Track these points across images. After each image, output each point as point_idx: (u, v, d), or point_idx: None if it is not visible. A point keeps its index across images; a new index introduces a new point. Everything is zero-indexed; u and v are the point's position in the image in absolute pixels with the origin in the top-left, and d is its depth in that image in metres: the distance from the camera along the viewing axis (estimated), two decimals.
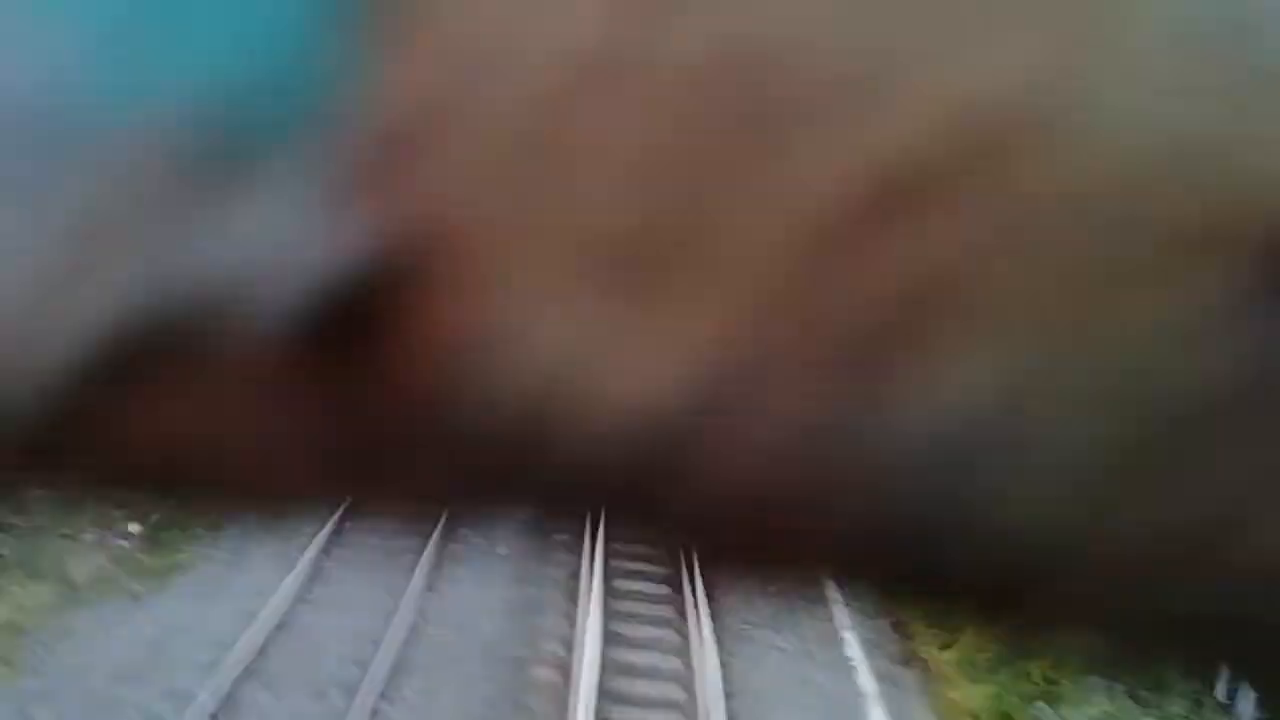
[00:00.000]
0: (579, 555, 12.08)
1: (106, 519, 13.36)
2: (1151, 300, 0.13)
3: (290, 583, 11.33)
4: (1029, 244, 0.13)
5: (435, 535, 12.02)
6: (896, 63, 0.14)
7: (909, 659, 11.73)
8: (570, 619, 11.28)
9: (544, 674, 10.09)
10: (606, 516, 0.20)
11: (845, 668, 11.36)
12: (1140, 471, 0.15)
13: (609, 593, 11.37)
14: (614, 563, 11.89)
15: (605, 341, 0.15)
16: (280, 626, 10.68)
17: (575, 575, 12.05)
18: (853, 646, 11.47)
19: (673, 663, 10.64)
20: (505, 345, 0.16)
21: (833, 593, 12.27)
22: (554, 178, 0.15)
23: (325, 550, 12.35)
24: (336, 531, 12.80)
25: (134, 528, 13.27)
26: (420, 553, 11.84)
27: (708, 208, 0.15)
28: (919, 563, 0.16)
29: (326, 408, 0.18)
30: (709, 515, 0.15)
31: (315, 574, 11.85)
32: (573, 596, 11.66)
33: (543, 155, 0.15)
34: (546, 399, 0.16)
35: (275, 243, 0.17)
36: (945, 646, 11.31)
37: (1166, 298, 0.13)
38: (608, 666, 9.92)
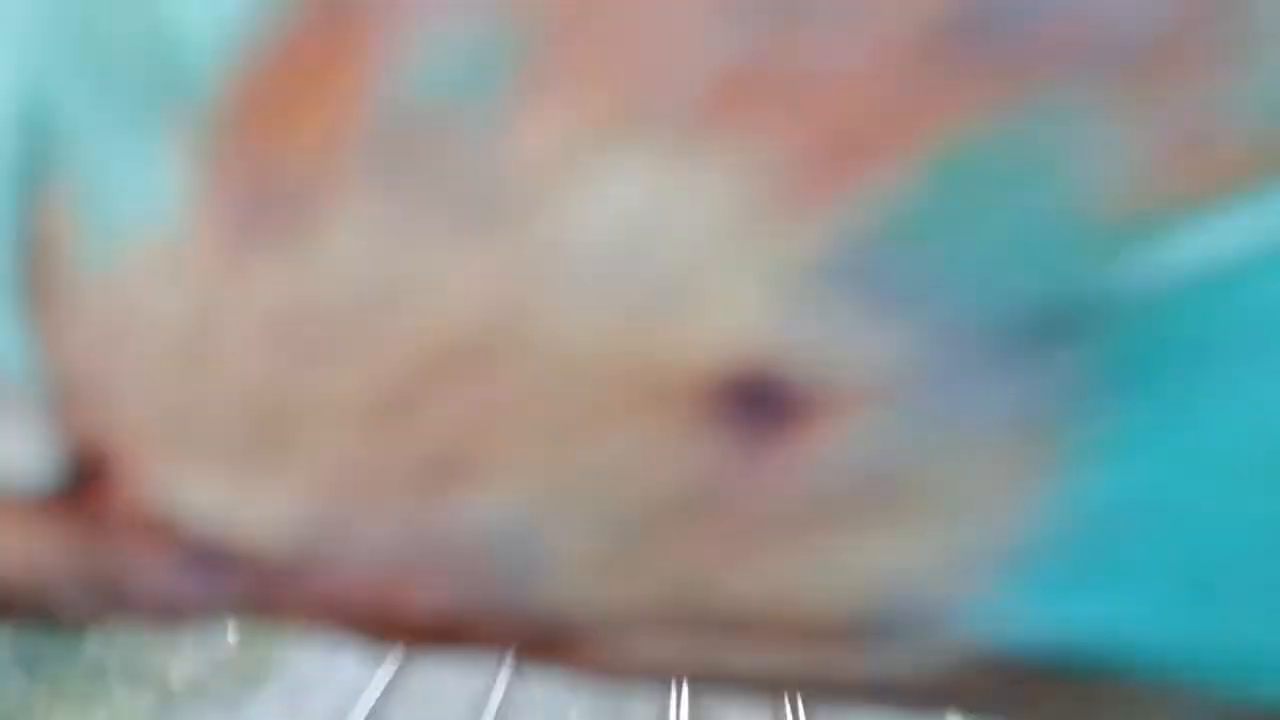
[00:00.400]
0: None
1: (204, 623, 13.63)
2: (620, 437, 0.17)
3: (382, 676, 11.41)
4: (528, 407, 0.18)
5: None
6: (396, 295, 0.18)
7: None
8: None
9: None
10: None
11: None
12: (628, 551, 0.19)
13: None
14: None
15: (243, 500, 0.21)
16: None
17: None
18: None
19: None
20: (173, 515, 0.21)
21: None
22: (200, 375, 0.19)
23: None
24: None
25: (231, 634, 13.54)
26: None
27: (307, 400, 0.19)
28: (497, 623, 0.22)
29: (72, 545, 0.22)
30: (337, 604, 0.22)
31: (404, 667, 11.91)
32: None
33: (191, 363, 0.19)
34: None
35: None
36: None
37: (626, 435, 0.18)
38: None
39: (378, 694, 11.24)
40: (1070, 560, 0.18)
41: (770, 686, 0.22)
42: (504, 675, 11.40)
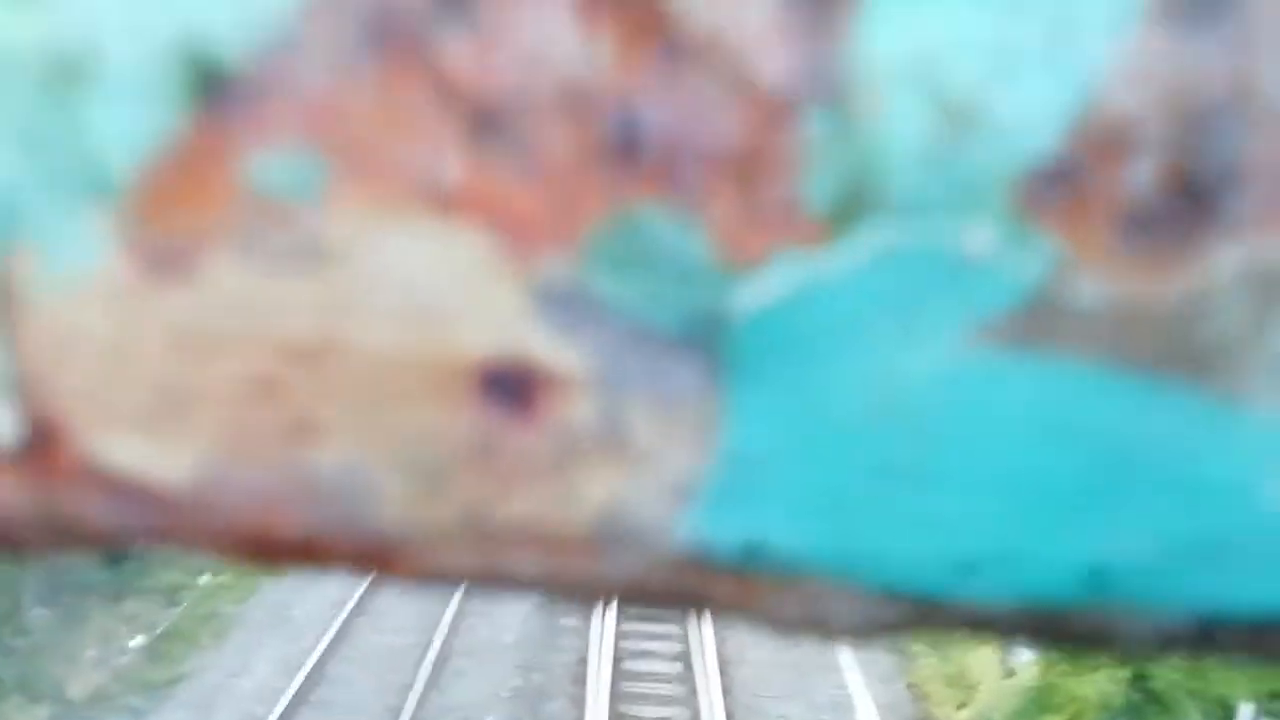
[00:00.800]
0: None
1: (109, 634, 12.06)
2: (419, 410, 0.25)
3: (294, 688, 11.39)
4: (354, 390, 0.26)
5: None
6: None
7: None
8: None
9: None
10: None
11: None
12: (431, 489, 0.27)
13: None
14: None
15: (155, 455, 0.27)
16: None
17: None
18: (868, 713, 11.76)
19: None
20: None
21: (846, 658, 12.87)
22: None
23: (329, 650, 12.22)
24: (341, 633, 12.80)
25: (136, 642, 12.08)
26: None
27: (198, 386, 0.26)
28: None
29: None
30: (226, 532, 0.28)
31: (319, 678, 11.78)
32: None
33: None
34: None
35: None
36: (960, 706, 11.47)
37: (424, 409, 0.25)
38: None
39: (286, 704, 11.16)
40: (736, 489, 0.27)
41: (542, 589, 0.30)
42: (419, 682, 11.64)
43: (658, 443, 0.27)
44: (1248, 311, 0.24)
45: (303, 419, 0.27)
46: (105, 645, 12.41)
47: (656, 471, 0.27)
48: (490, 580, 0.30)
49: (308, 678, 11.56)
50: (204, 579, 14.29)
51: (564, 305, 0.26)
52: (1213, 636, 0.28)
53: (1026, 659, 10.89)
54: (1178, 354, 0.24)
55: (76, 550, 0.31)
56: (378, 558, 0.29)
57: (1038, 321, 0.24)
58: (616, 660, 12.14)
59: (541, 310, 0.26)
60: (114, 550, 0.31)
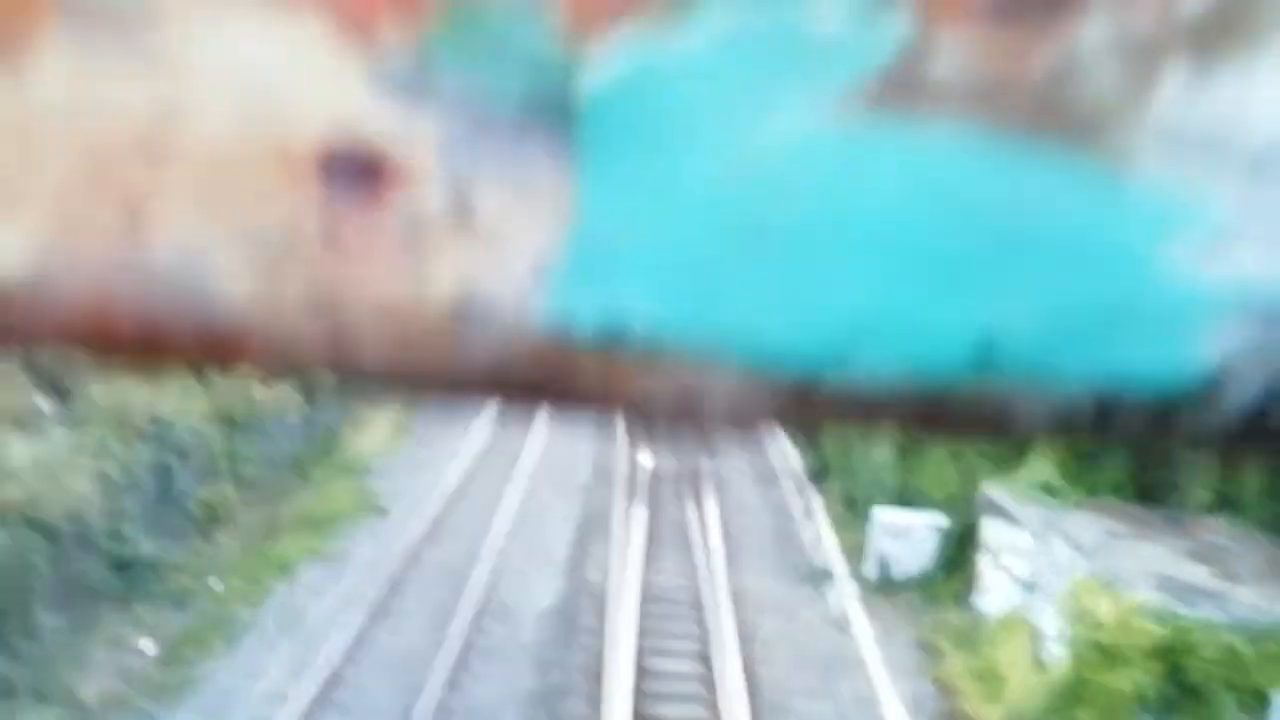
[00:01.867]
0: None
1: (119, 639, 11.87)
2: (262, 194, 0.25)
3: (305, 689, 11.19)
4: (190, 177, 0.26)
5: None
6: None
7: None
8: None
9: None
10: None
11: None
12: (276, 271, 0.28)
13: None
14: None
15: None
16: None
17: None
18: (895, 711, 11.88)
19: None
20: None
21: (869, 654, 12.68)
22: None
23: (347, 656, 12.02)
24: (355, 640, 12.58)
25: (148, 646, 11.88)
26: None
27: (31, 174, 0.27)
28: None
29: None
30: (64, 324, 0.27)
31: (334, 680, 11.58)
32: None
33: None
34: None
35: None
36: (990, 701, 11.06)
37: (266, 193, 0.26)
38: None
39: (300, 708, 10.97)
40: (593, 267, 0.26)
41: (396, 380, 0.29)
42: (432, 690, 11.45)
43: (509, 224, 0.27)
44: (1121, 78, 0.24)
45: (137, 209, 0.26)
46: (116, 649, 12.22)
47: (510, 252, 0.27)
48: (340, 368, 0.29)
49: (323, 682, 11.36)
50: (214, 583, 14.17)
51: (407, 89, 0.25)
52: (1112, 416, 0.28)
53: (1059, 653, 10.67)
54: (1051, 121, 0.25)
55: None
56: (222, 347, 0.28)
57: (898, 93, 0.25)
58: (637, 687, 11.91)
59: (384, 93, 0.26)
60: None
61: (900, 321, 0.26)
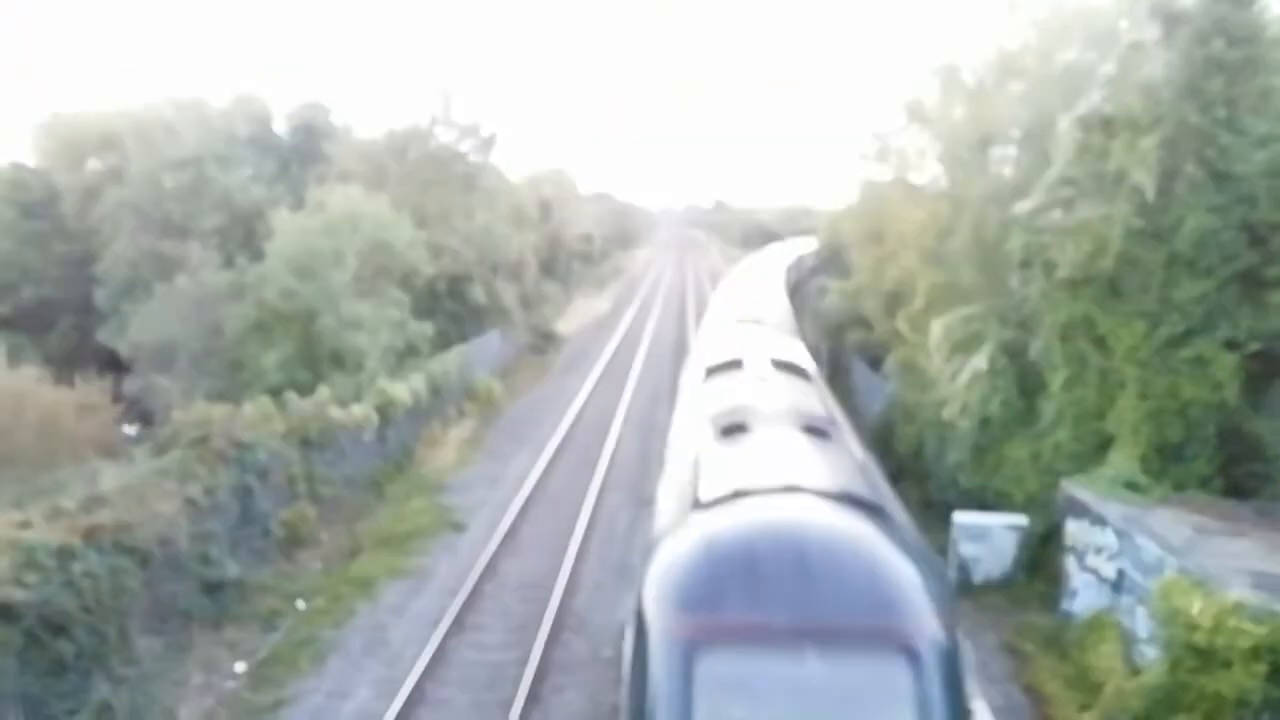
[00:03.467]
0: None
1: (212, 661, 12.18)
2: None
3: (395, 710, 11.34)
4: None
5: None
6: None
7: None
8: None
9: None
10: None
11: None
12: None
13: None
14: None
15: None
16: None
17: None
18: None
19: None
20: None
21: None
22: None
23: (427, 671, 12.16)
24: (437, 657, 12.71)
25: (239, 667, 12.17)
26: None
27: None
28: None
29: None
30: None
31: (418, 699, 11.72)
32: None
33: None
34: None
35: None
36: (1083, 708, 11.01)
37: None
38: None
39: None
40: None
41: None
42: (518, 700, 11.51)
43: None
44: None
45: None
46: (210, 672, 12.52)
47: None
48: None
49: (407, 699, 11.50)
50: (299, 604, 14.43)
51: None
52: None
53: (1152, 655, 10.39)
54: None
55: None
56: None
57: None
58: None
59: None
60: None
61: None
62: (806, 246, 56.15)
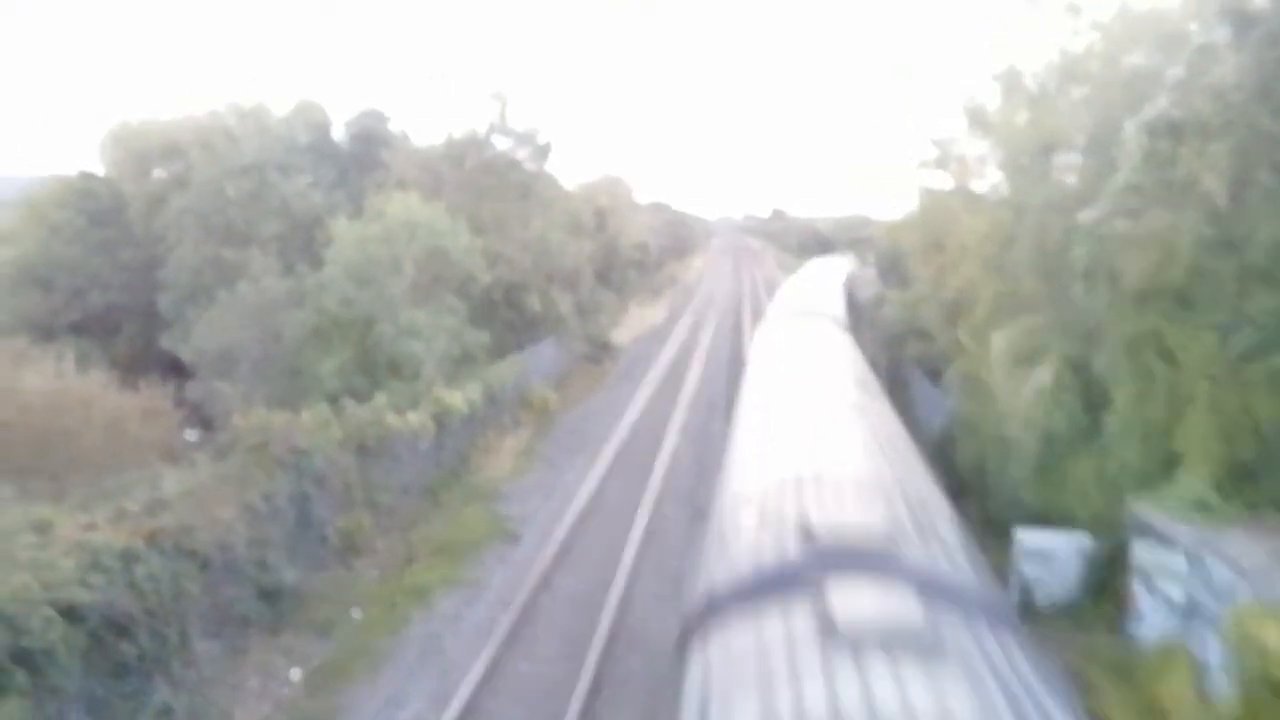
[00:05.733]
0: None
1: (269, 666, 12.31)
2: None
3: (447, 718, 11.35)
4: None
5: None
6: None
7: None
8: None
9: None
10: None
11: None
12: None
13: None
14: None
15: None
16: None
17: None
18: None
19: None
20: None
21: None
22: None
23: (482, 684, 12.15)
24: (491, 669, 12.69)
25: (295, 673, 12.28)
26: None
27: None
28: None
29: None
30: None
31: (472, 710, 11.72)
32: None
33: None
34: None
35: None
36: None
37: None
38: None
39: None
40: None
41: None
42: (570, 714, 11.45)
43: None
44: None
45: None
46: (266, 677, 12.64)
47: None
48: None
49: (461, 711, 11.50)
50: (355, 612, 14.53)
51: None
52: None
53: (1225, 686, 10.02)
54: None
55: None
56: None
57: None
58: None
59: None
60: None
61: None
62: (855, 262, 54.78)
